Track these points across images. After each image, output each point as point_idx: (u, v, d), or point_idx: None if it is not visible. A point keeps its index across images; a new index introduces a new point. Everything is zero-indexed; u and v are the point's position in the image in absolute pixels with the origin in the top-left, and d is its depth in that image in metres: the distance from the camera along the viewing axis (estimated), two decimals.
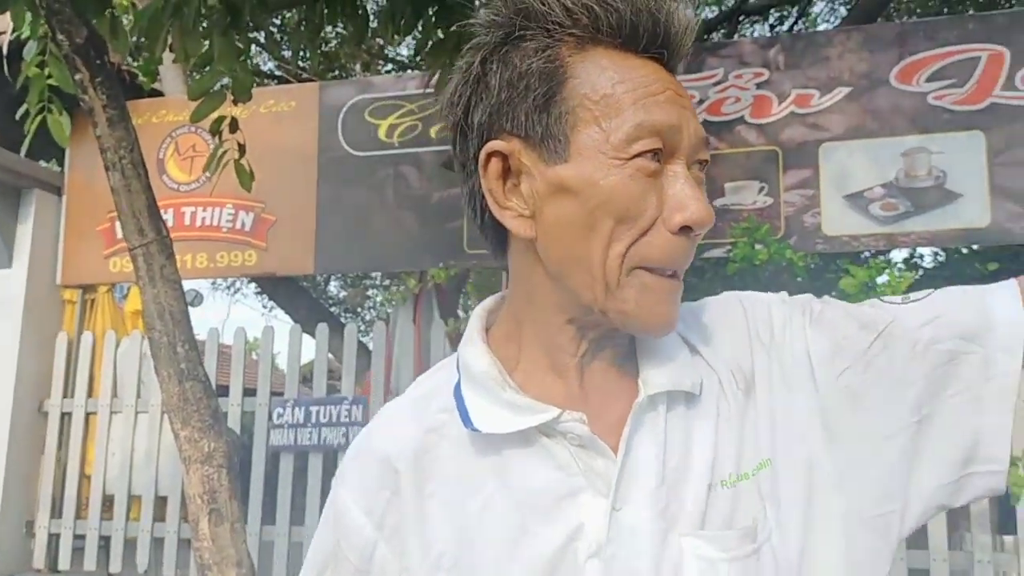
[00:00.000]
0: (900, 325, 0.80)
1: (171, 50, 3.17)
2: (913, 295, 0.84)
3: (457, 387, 0.82)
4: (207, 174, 5.81)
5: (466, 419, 0.79)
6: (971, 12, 8.24)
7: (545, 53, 0.74)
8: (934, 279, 5.45)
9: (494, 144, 0.76)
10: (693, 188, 0.74)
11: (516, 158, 0.76)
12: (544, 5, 0.74)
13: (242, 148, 3.32)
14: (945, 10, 8.90)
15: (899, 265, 5.74)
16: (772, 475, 0.77)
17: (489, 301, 0.89)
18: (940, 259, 6.22)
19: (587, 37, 0.75)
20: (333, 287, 14.70)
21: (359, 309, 15.49)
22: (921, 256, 6.67)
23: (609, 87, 0.73)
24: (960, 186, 4.51)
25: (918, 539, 4.34)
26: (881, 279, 4.24)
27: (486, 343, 0.83)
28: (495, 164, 0.77)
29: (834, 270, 4.41)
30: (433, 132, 5.47)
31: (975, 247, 5.03)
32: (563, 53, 0.75)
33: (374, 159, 5.62)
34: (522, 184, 0.77)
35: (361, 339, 5.68)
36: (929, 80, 4.65)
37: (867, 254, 5.29)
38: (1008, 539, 4.98)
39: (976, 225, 4.48)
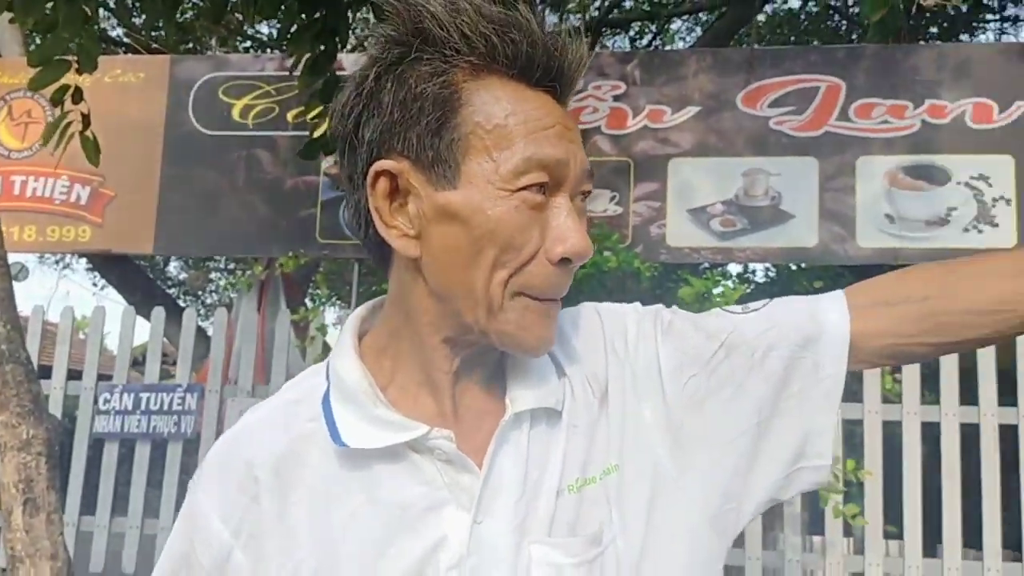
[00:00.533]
0: (740, 334, 0.85)
1: (10, 10, 2.96)
2: (752, 305, 0.89)
3: (326, 398, 0.82)
4: (41, 144, 5.47)
5: (335, 434, 0.79)
6: (815, 43, 8.77)
7: (441, 78, 0.75)
8: (765, 293, 5.77)
9: (384, 163, 0.77)
10: (575, 221, 0.76)
11: (405, 179, 0.77)
12: (443, 30, 0.75)
13: (86, 119, 3.13)
14: (792, 39, 9.44)
15: (733, 278, 6.05)
16: (619, 480, 0.80)
17: (362, 310, 0.89)
18: (771, 275, 6.60)
19: (482, 65, 0.76)
20: (173, 268, 14.08)
21: (200, 293, 14.90)
22: (754, 271, 7.06)
23: (502, 118, 0.75)
24: (793, 207, 4.80)
25: (735, 538, 4.60)
26: (717, 290, 4.45)
27: (359, 355, 0.83)
28: (383, 183, 0.77)
29: (675, 280, 4.60)
30: (290, 117, 5.35)
31: (803, 265, 5.37)
32: (458, 79, 0.76)
33: (226, 139, 5.44)
34: (409, 204, 0.77)
35: (200, 324, 5.47)
36: (772, 105, 4.93)
37: (706, 266, 5.55)
38: (816, 539, 5.36)
39: (805, 245, 4.78)
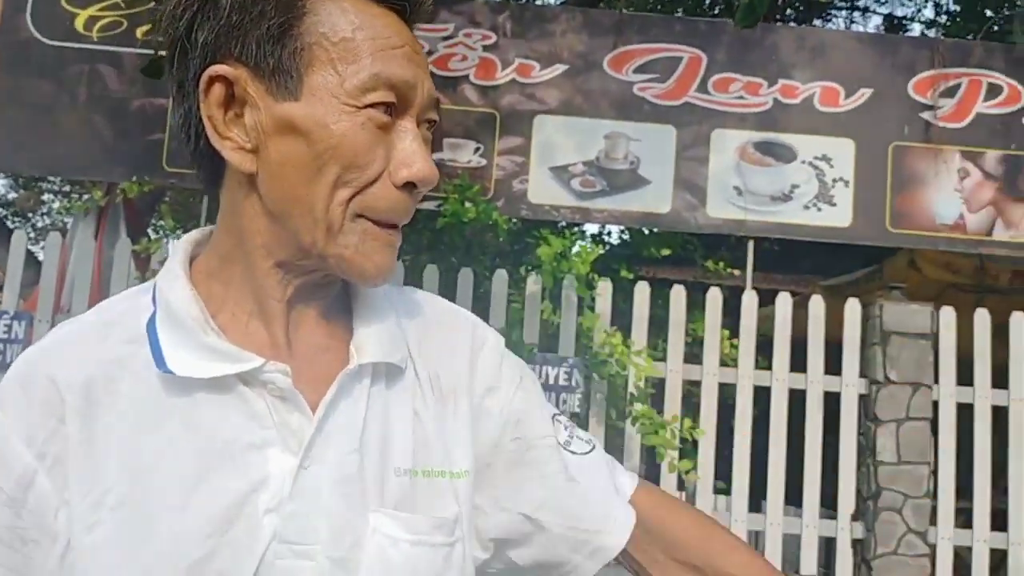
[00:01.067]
0: (552, 462, 0.88)
1: None
2: (578, 437, 0.92)
3: (151, 322, 0.77)
4: None
5: (159, 359, 0.74)
6: (680, 14, 8.98)
7: None
8: (617, 255, 5.94)
9: (219, 68, 0.73)
10: (421, 146, 0.75)
11: (242, 87, 0.73)
12: None
13: None
14: (659, 7, 9.62)
15: (589, 238, 6.20)
16: (467, 487, 0.82)
17: (195, 233, 0.84)
18: (624, 237, 6.79)
19: None
20: (1, 186, 13.09)
21: (30, 215, 13.92)
22: (609, 232, 7.24)
23: (349, 31, 0.72)
24: (650, 173, 4.94)
25: None
26: (574, 250, 4.55)
27: (189, 279, 0.79)
28: (218, 90, 0.73)
29: (533, 236, 4.66)
30: (139, 33, 5.02)
31: (655, 230, 5.55)
32: None
33: (67, 51, 5.06)
34: (246, 115, 0.74)
35: (30, 248, 5.12)
36: (637, 71, 5.03)
37: (563, 224, 5.65)
38: None
39: (658, 210, 4.94)
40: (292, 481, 0.73)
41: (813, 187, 4.91)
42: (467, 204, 4.40)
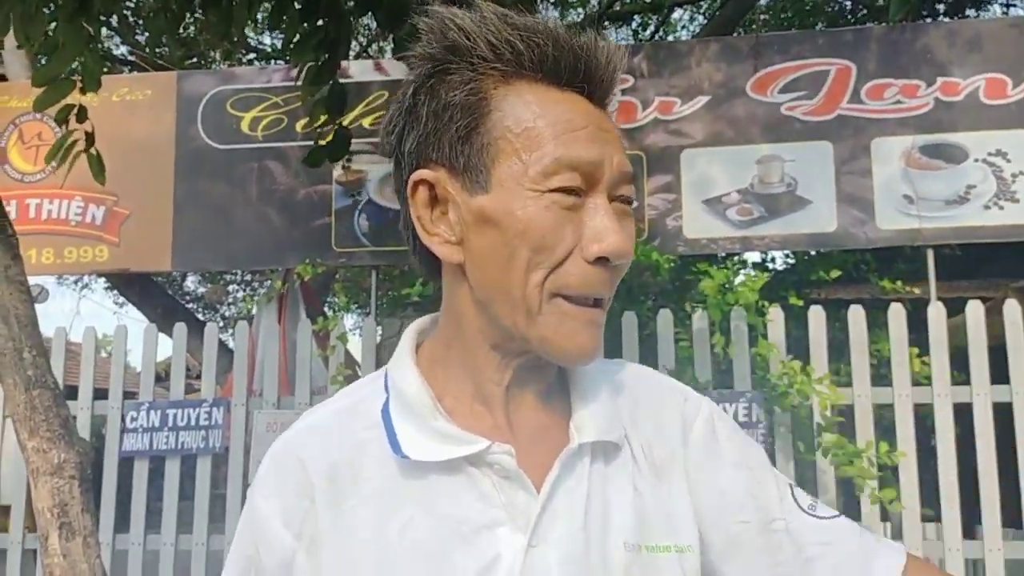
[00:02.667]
0: (802, 524, 0.86)
1: (7, 28, 2.96)
2: (820, 511, 0.89)
3: (385, 409, 0.83)
4: (49, 165, 5.49)
5: (395, 445, 0.79)
6: (820, 27, 8.71)
7: (468, 86, 0.77)
8: (784, 281, 5.74)
9: (421, 173, 0.79)
10: (612, 220, 0.76)
11: (442, 187, 0.79)
12: (469, 40, 0.77)
13: (90, 137, 3.14)
14: (797, 23, 9.38)
15: (751, 267, 6.02)
16: (694, 561, 0.81)
17: (421, 321, 0.91)
18: (790, 262, 6.56)
19: (511, 71, 0.77)
20: (190, 283, 14.14)
21: (218, 306, 14.96)
22: (773, 259, 7.02)
23: (531, 120, 0.75)
24: (810, 193, 4.77)
25: None
26: (738, 279, 4.43)
27: (417, 366, 0.84)
28: (422, 192, 0.80)
29: (693, 272, 4.58)
30: (299, 127, 5.35)
31: (822, 251, 5.33)
32: (487, 86, 0.77)
33: (236, 152, 5.45)
34: (449, 212, 0.79)
35: (221, 338, 5.49)
36: (782, 91, 4.89)
37: (723, 256, 5.52)
38: None
39: (824, 230, 4.74)
40: (522, 560, 0.76)
41: (991, 185, 4.58)
42: None
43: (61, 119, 3.09)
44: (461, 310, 0.82)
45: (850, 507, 4.60)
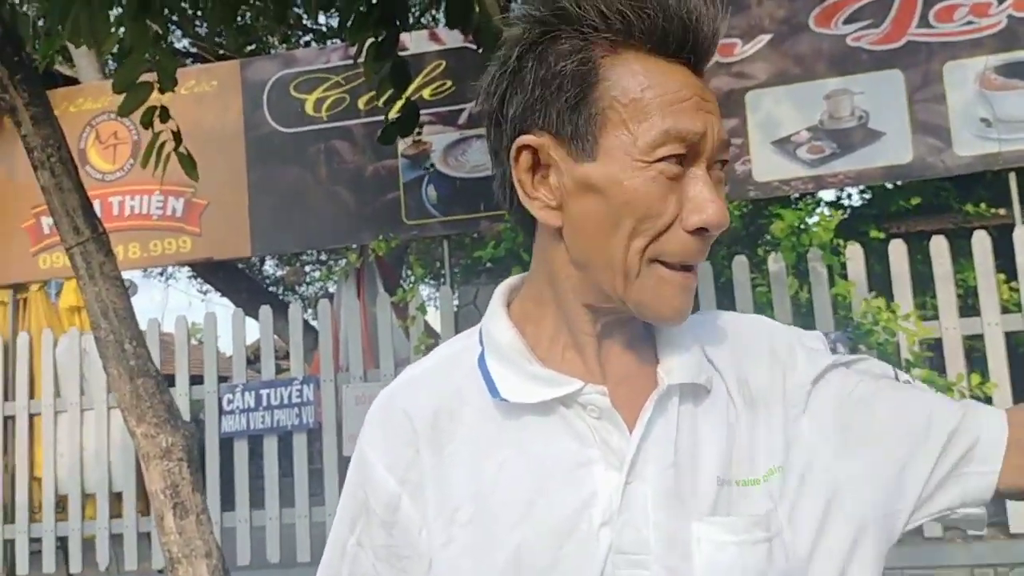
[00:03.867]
0: (884, 384, 0.88)
1: (80, 36, 3.06)
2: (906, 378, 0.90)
3: (481, 359, 0.87)
4: (132, 162, 5.68)
5: (492, 389, 0.83)
6: None
7: (579, 55, 0.78)
8: (862, 217, 5.61)
9: (526, 138, 0.80)
10: (712, 192, 0.78)
11: (546, 153, 0.80)
12: (580, 8, 0.78)
13: (177, 136, 3.24)
14: None
15: (824, 205, 5.90)
16: (782, 480, 0.82)
17: (512, 280, 0.93)
18: (867, 197, 6.40)
19: (619, 40, 0.78)
20: (269, 267, 14.49)
21: (298, 287, 15.31)
22: (849, 195, 6.86)
23: (639, 92, 0.77)
24: (882, 125, 4.64)
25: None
26: (812, 219, 4.36)
27: (509, 318, 0.88)
28: (526, 157, 0.81)
29: (766, 215, 4.52)
30: (361, 104, 5.42)
31: (899, 183, 5.19)
32: (596, 55, 0.78)
33: (303, 135, 5.55)
34: (551, 177, 0.81)
35: (305, 318, 5.64)
36: (847, 22, 4.76)
37: (797, 197, 5.43)
38: None
39: (899, 162, 4.62)
40: (620, 496, 0.79)
41: None
42: None
43: (147, 122, 3.17)
44: (555, 269, 0.84)
45: None
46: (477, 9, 3.21)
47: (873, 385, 0.87)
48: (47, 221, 5.40)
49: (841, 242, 4.28)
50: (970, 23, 4.58)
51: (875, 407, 0.86)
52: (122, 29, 3.05)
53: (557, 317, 0.85)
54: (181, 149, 3.23)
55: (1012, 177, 4.55)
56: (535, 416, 0.83)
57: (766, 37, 4.85)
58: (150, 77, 3.08)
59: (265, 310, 5.17)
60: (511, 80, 0.82)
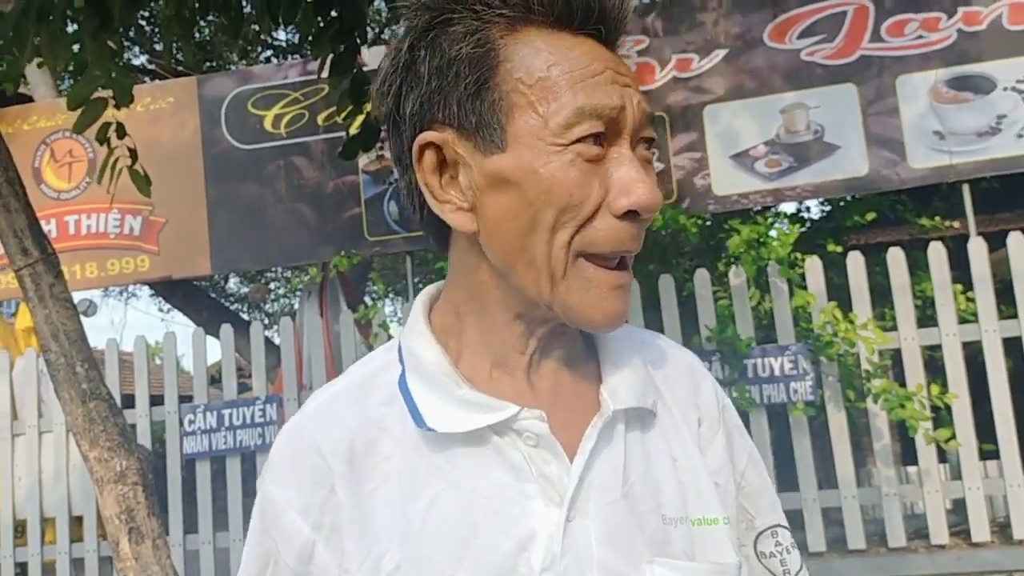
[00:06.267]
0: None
1: (38, 55, 3.01)
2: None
3: (402, 380, 0.78)
4: (89, 181, 5.60)
5: (417, 417, 0.74)
6: None
7: (474, 37, 0.71)
8: (820, 230, 5.68)
9: (427, 135, 0.73)
10: (639, 171, 0.71)
11: (451, 149, 0.73)
12: None
13: (134, 153, 3.19)
14: None
15: (785, 219, 5.97)
16: (732, 532, 0.78)
17: (431, 289, 0.85)
18: (825, 209, 6.48)
19: (518, 17, 0.71)
20: (232, 284, 14.35)
21: (263, 304, 15.18)
22: (808, 208, 6.95)
23: (544, 70, 0.70)
24: (838, 138, 4.71)
25: (828, 478, 4.55)
26: (772, 233, 4.40)
27: (432, 333, 0.79)
28: (430, 156, 0.74)
29: (726, 230, 4.55)
30: (320, 120, 5.39)
31: (856, 196, 5.26)
32: (494, 35, 0.71)
33: (262, 151, 5.51)
34: (460, 176, 0.73)
35: (267, 336, 5.58)
36: (801, 37, 4.83)
37: (757, 210, 5.48)
38: (911, 470, 5.26)
39: (856, 174, 4.69)
40: (561, 536, 0.71)
41: (1022, 113, 4.49)
42: None
43: (102, 138, 3.12)
44: (476, 280, 0.76)
45: (906, 449, 4.58)
46: None
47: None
48: None
49: (799, 255, 4.32)
50: (921, 37, 4.68)
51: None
52: (77, 46, 2.99)
53: (482, 331, 0.77)
54: (136, 166, 3.18)
55: (966, 189, 4.63)
56: (465, 446, 0.74)
57: (722, 52, 4.91)
58: (105, 93, 3.03)
59: (226, 328, 5.11)
60: (404, 75, 0.74)
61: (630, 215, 0.70)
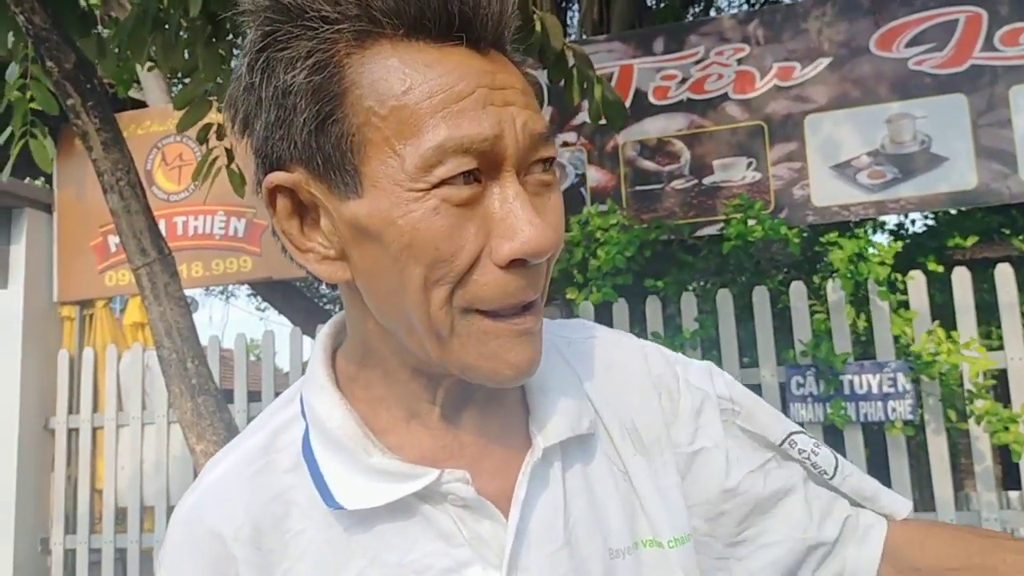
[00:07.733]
0: (796, 478, 0.78)
1: (152, 61, 3.16)
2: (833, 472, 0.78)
3: (306, 443, 0.68)
4: (195, 183, 5.82)
5: (326, 495, 0.65)
6: None
7: (310, 61, 0.58)
8: (922, 247, 5.51)
9: (275, 177, 0.61)
10: (525, 208, 0.58)
11: (305, 191, 0.61)
12: None
13: (230, 154, 3.32)
14: None
15: (885, 232, 5.80)
16: (691, 552, 0.71)
17: (329, 328, 0.74)
18: (930, 223, 6.28)
19: (365, 30, 0.58)
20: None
21: None
22: (913, 221, 6.73)
23: (399, 96, 0.57)
24: (945, 149, 4.56)
25: (926, 501, 4.41)
26: (871, 250, 4.29)
27: (336, 386, 0.69)
28: (283, 200, 0.62)
29: (821, 244, 4.45)
30: None
31: (963, 209, 5.08)
32: (338, 54, 0.58)
33: None
34: (321, 219, 0.62)
35: None
36: (908, 45, 4.69)
37: (856, 222, 5.35)
38: (1012, 495, 5.06)
39: (963, 187, 4.53)
40: None
41: None
42: (751, 223, 4.30)
43: (202, 138, 3.26)
44: (367, 334, 0.67)
45: (1009, 474, 4.39)
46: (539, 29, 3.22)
47: (761, 481, 0.76)
48: (113, 240, 5.56)
49: (899, 275, 4.20)
50: None
51: (757, 506, 0.76)
52: (188, 52, 3.13)
53: (388, 383, 0.68)
54: (233, 167, 3.30)
55: None
56: (386, 517, 0.65)
57: (825, 60, 4.80)
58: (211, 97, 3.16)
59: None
60: (246, 98, 0.62)
61: (517, 263, 0.59)
